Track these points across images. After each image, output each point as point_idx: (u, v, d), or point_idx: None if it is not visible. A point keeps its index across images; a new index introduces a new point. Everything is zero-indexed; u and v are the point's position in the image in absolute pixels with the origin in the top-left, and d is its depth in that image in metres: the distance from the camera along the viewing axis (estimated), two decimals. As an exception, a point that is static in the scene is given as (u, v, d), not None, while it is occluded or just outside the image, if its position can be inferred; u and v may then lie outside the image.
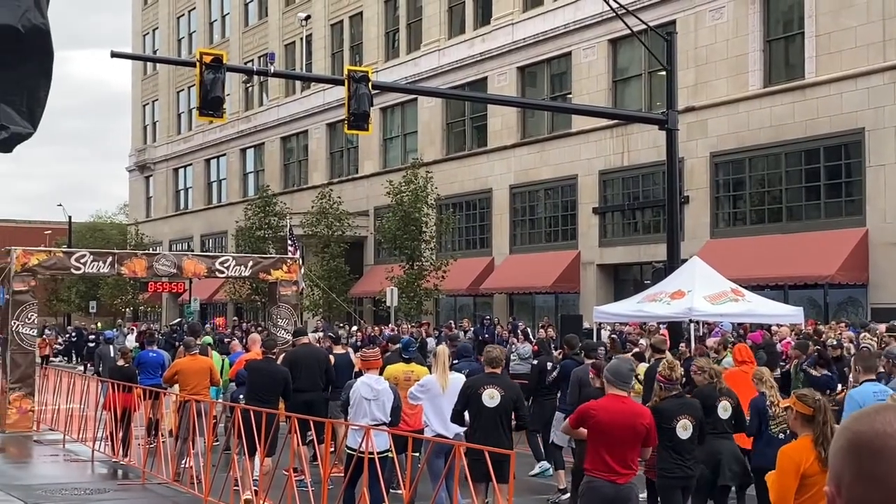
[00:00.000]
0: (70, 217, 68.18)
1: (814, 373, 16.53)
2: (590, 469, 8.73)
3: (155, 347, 21.80)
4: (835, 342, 18.75)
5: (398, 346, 16.69)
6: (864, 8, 29.26)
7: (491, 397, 10.84)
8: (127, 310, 65.55)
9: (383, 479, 11.18)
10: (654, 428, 8.93)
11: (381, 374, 12.48)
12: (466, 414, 11.13)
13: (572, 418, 9.06)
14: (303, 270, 28.28)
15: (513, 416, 11.43)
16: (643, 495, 11.04)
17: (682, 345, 21.23)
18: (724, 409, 11.15)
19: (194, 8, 65.43)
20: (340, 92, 26.37)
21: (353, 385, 12.06)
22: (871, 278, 28.98)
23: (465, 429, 11.48)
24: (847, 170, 29.90)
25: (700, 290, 20.79)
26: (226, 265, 25.31)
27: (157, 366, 19.52)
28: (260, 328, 32.64)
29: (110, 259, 23.93)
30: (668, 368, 10.36)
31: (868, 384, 10.87)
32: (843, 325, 23.78)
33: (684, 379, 11.52)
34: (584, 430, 8.96)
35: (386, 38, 49.39)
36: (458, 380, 12.04)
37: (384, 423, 11.59)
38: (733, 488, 11.93)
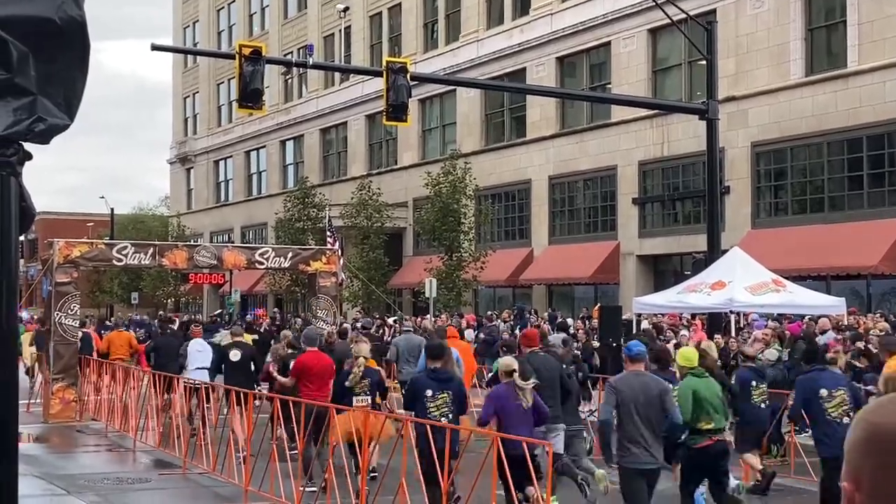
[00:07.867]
0: (112, 209, 68.71)
1: (858, 364, 16.38)
2: (303, 395, 13.83)
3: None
4: (882, 334, 18.51)
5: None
6: (908, -5, 28.90)
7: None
8: (168, 301, 66.07)
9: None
10: (333, 368, 14.74)
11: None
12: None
13: (292, 372, 14.71)
14: (342, 262, 28.34)
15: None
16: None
17: (718, 336, 21.09)
18: None
19: (234, 0, 65.74)
20: (379, 83, 26.40)
21: (186, 347, 18.68)
22: (914, 269, 28.64)
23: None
24: (890, 159, 29.55)
25: (741, 281, 20.70)
26: (265, 256, 25.43)
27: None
28: (300, 318, 32.78)
29: (151, 251, 24.11)
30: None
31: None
32: (880, 316, 23.47)
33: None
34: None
35: (424, 30, 49.37)
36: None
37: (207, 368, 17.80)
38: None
